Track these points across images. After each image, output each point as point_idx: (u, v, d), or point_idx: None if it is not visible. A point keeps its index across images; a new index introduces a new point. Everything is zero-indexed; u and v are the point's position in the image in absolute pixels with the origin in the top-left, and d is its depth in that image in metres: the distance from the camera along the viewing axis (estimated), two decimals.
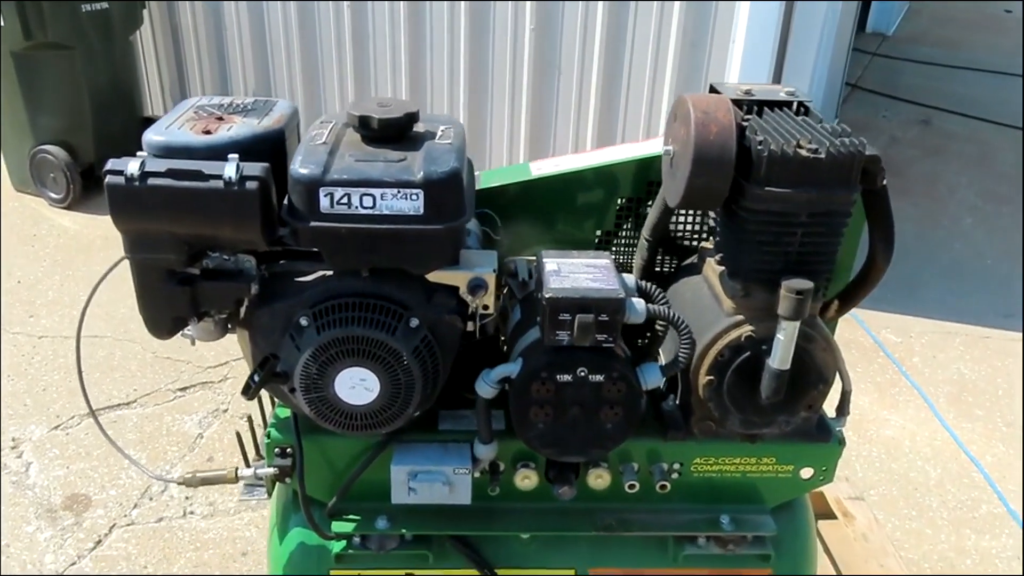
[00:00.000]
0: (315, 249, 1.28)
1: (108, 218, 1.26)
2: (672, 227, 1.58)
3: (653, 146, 1.55)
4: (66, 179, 4.36)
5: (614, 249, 1.65)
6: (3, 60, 4.15)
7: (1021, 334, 3.62)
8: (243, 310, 1.33)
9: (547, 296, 1.25)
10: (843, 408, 1.57)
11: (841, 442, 1.52)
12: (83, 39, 4.20)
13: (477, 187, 1.55)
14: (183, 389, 3.04)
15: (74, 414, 2.87)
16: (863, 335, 3.61)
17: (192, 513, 2.48)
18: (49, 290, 3.66)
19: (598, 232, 1.63)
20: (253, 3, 4.58)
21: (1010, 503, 2.66)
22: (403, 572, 1.51)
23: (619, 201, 1.59)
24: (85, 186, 4.41)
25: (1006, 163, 5.89)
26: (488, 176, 1.62)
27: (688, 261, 1.58)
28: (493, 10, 3.98)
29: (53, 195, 4.45)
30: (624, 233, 1.63)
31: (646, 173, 1.56)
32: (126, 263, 1.27)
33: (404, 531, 1.48)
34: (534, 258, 1.40)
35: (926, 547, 2.48)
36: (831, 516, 2.45)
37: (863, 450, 2.88)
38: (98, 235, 4.14)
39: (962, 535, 2.53)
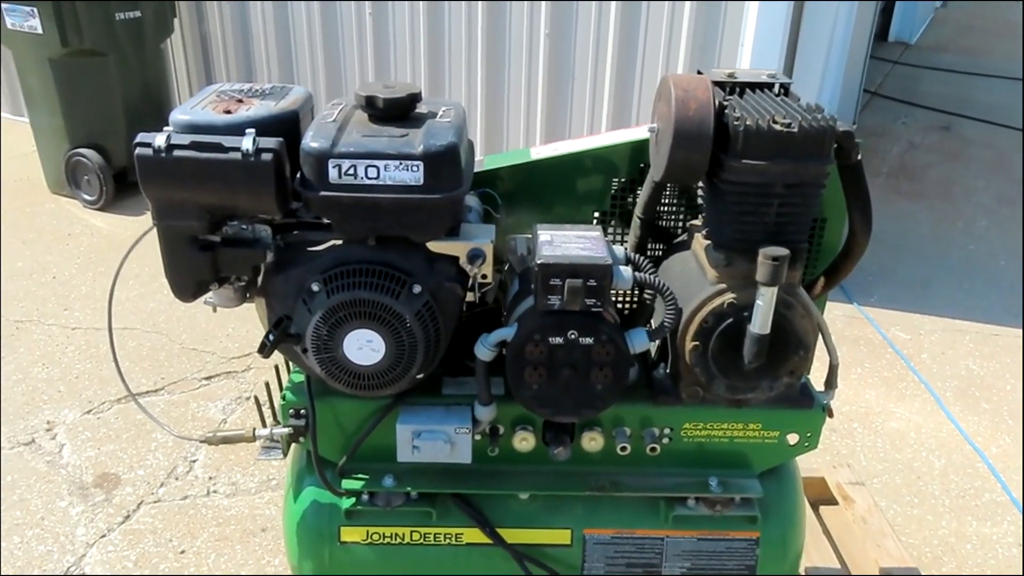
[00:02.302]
0: (325, 220, 1.39)
1: (139, 219, 1.40)
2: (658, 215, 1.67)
3: (645, 132, 1.63)
4: (99, 181, 4.54)
5: (610, 229, 1.73)
6: (41, 66, 4.35)
7: (1021, 329, 3.65)
8: (260, 278, 1.44)
9: (539, 262, 1.34)
10: (831, 381, 1.63)
11: (825, 409, 1.59)
12: (117, 46, 4.39)
13: (479, 170, 1.65)
14: (208, 378, 3.17)
15: (105, 400, 3.00)
16: (872, 332, 3.65)
17: (215, 492, 2.60)
18: (82, 285, 3.82)
19: (595, 213, 1.72)
20: (280, 14, 4.75)
21: (1013, 492, 2.69)
22: (408, 529, 1.60)
23: (614, 183, 1.68)
24: (117, 188, 4.58)
25: None
26: (491, 160, 1.72)
27: (679, 239, 1.67)
28: (509, 12, 4.11)
29: (87, 197, 4.62)
30: (619, 213, 1.72)
31: (639, 156, 1.65)
32: (153, 247, 1.38)
33: (409, 489, 1.57)
34: None
35: (927, 532, 2.53)
36: (832, 502, 2.51)
37: (868, 440, 2.93)
38: (129, 235, 4.29)
39: (963, 522, 2.57)
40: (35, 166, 4.90)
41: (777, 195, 1.35)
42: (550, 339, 1.37)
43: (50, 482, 2.61)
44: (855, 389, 3.23)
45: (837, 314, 3.76)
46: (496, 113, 4.42)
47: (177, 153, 1.25)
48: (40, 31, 4.23)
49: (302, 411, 1.54)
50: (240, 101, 1.42)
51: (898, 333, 3.65)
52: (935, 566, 2.39)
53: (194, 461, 2.72)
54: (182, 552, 2.36)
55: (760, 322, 1.37)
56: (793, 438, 1.60)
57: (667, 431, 1.57)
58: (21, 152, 5.30)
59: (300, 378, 1.57)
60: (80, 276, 3.91)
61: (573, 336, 1.37)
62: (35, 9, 4.17)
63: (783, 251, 1.31)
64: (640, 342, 1.41)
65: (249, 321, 3.52)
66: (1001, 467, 2.81)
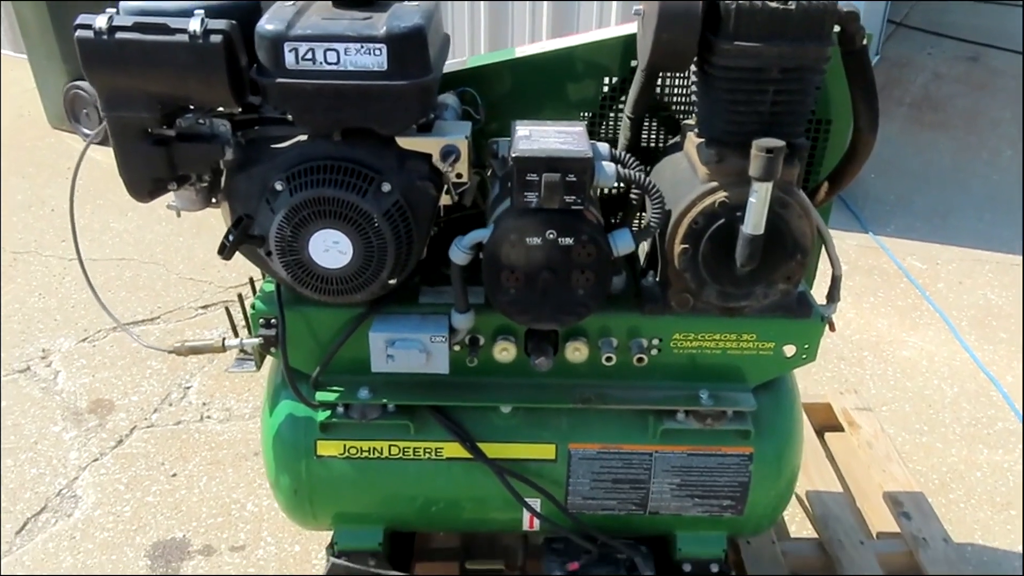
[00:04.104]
0: (285, 114, 1.30)
1: None
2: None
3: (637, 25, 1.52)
4: (98, 114, 4.45)
5: (601, 133, 1.63)
6: None
7: (1022, 257, 3.53)
8: (223, 180, 1.37)
9: (514, 156, 1.25)
10: (833, 294, 1.55)
11: (824, 320, 1.51)
12: None
13: (461, 68, 1.56)
14: (204, 307, 3.13)
15: (101, 328, 2.98)
16: (887, 261, 3.54)
17: (209, 417, 2.57)
18: (81, 218, 3.77)
19: (584, 114, 1.61)
20: None
21: None
22: (386, 443, 1.55)
23: (604, 82, 1.58)
24: None
25: None
26: (473, 60, 1.62)
27: (672, 141, 1.57)
28: None
29: (87, 131, 4.55)
30: (611, 115, 1.62)
31: (631, 53, 1.54)
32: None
33: (385, 401, 1.51)
34: None
35: (935, 460, 2.46)
36: (838, 428, 2.44)
37: (878, 369, 2.85)
38: None
39: (974, 449, 2.50)
40: (36, 102, 4.82)
41: (772, 81, 1.24)
42: (527, 239, 1.29)
43: (44, 408, 2.59)
44: (867, 318, 3.13)
45: (851, 243, 3.65)
46: (500, 9, 4.26)
47: (120, 35, 1.16)
48: None
49: (272, 320, 1.47)
50: None
51: (914, 263, 3.53)
52: (942, 492, 2.33)
53: (188, 388, 2.69)
54: (173, 475, 2.34)
55: (753, 221, 1.28)
56: (790, 350, 1.51)
57: (656, 342, 1.50)
58: (23, 89, 5.22)
59: (271, 287, 1.50)
60: (79, 208, 3.83)
61: (552, 236, 1.29)
62: None
63: (778, 143, 1.22)
64: (624, 243, 1.33)
65: None
66: (1016, 395, 2.72)
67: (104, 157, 4.50)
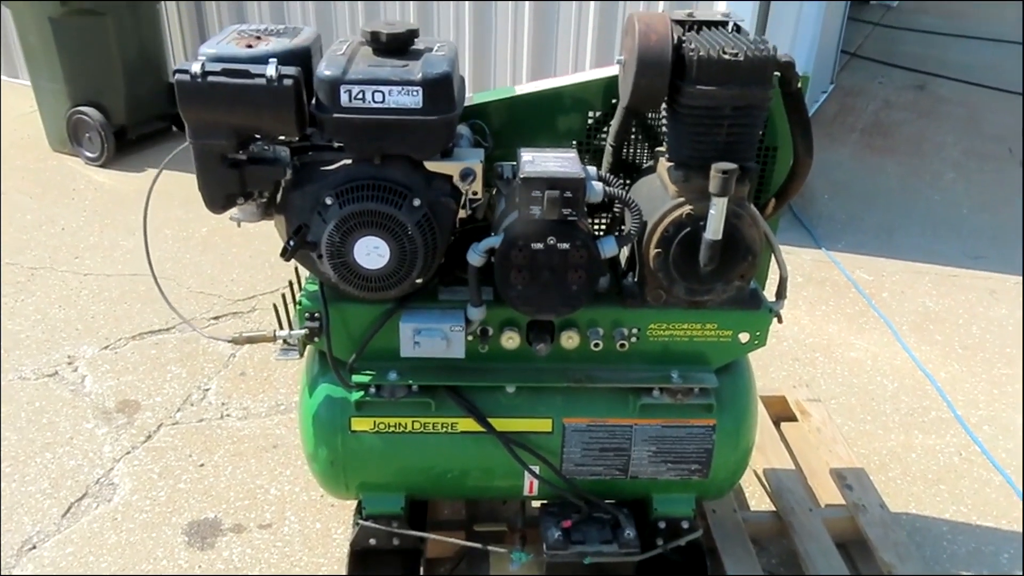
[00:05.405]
0: (336, 144, 1.60)
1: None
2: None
3: (617, 70, 1.84)
4: (101, 139, 4.69)
5: (585, 158, 1.94)
6: (41, 26, 4.48)
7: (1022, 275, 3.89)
8: (279, 196, 1.65)
9: (522, 176, 1.56)
10: (781, 292, 1.86)
11: (772, 312, 1.82)
12: (114, 5, 4.52)
13: (468, 104, 1.86)
14: (216, 318, 3.38)
15: (121, 336, 3.21)
16: (838, 274, 3.89)
17: (228, 415, 2.82)
18: (91, 236, 4.00)
19: (573, 143, 1.93)
20: None
21: (958, 410, 2.95)
22: (410, 419, 1.83)
23: (589, 115, 1.90)
24: (118, 146, 4.74)
25: (993, 124, 6.12)
26: (478, 96, 1.92)
27: (647, 165, 1.88)
28: None
29: (89, 154, 4.78)
30: (594, 143, 1.93)
31: (611, 92, 1.86)
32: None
33: (411, 382, 1.79)
34: None
35: (876, 444, 2.78)
36: (792, 418, 2.76)
37: (828, 368, 3.18)
38: (132, 189, 4.47)
39: (910, 435, 2.83)
40: (35, 125, 5.04)
41: (727, 116, 1.56)
42: (532, 244, 1.59)
43: (75, 407, 2.82)
44: (819, 324, 3.47)
45: (806, 258, 4.00)
46: (484, 53, 4.62)
47: (211, 79, 1.45)
48: None
49: (316, 314, 1.75)
50: (259, 38, 1.61)
51: (862, 275, 3.89)
52: (882, 471, 2.65)
53: (207, 390, 2.94)
54: (201, 465, 2.59)
55: (713, 229, 1.59)
56: (744, 336, 1.83)
57: (635, 331, 1.80)
58: (19, 113, 5.44)
59: (314, 287, 1.78)
60: (87, 228, 4.10)
61: (552, 241, 1.59)
62: None
63: (732, 165, 1.53)
64: (609, 247, 1.63)
65: (252, 267, 3.73)
66: (948, 389, 3.07)
67: (108, 180, 4.79)
